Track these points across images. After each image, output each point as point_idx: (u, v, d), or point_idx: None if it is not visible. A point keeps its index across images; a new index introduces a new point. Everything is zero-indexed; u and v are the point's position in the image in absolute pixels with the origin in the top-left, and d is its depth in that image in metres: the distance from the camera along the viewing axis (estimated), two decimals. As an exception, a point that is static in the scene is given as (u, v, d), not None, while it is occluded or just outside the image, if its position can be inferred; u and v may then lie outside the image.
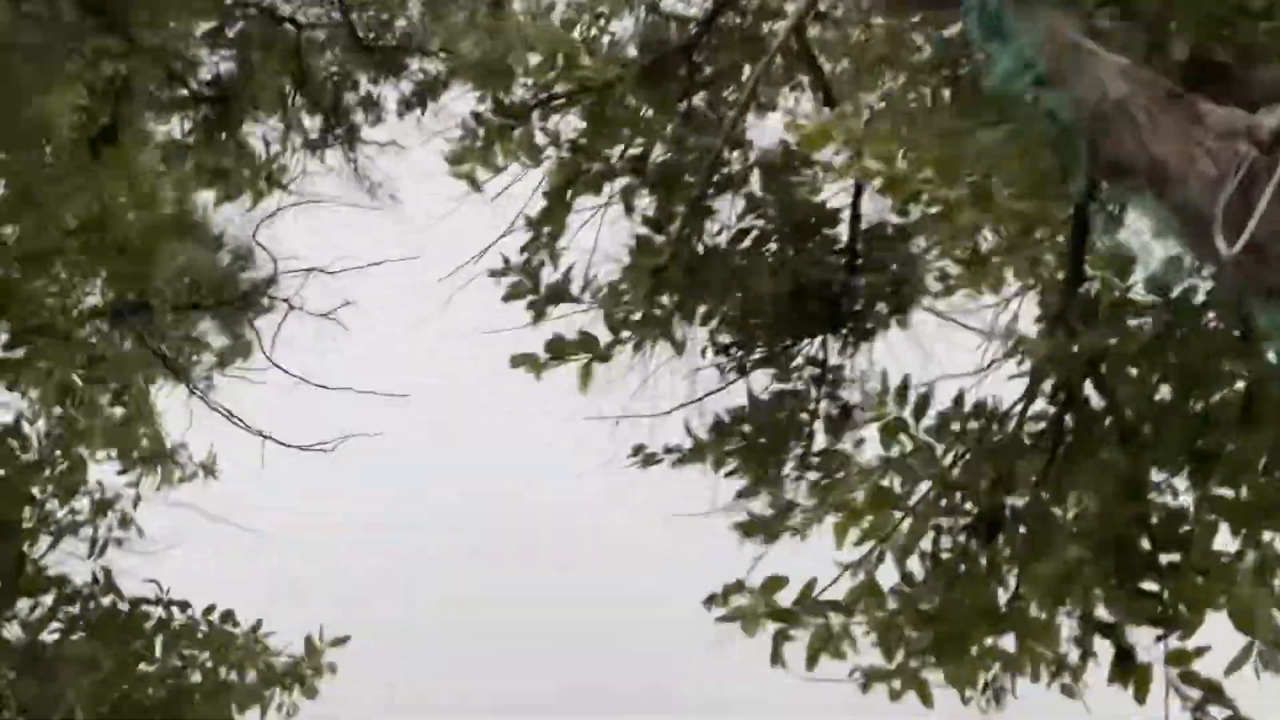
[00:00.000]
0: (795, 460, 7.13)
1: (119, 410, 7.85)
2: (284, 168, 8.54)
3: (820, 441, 7.28)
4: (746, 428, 7.22)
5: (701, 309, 7.54)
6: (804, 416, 7.37)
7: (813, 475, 6.97)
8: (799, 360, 7.56)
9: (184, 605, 7.37)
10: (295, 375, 8.50)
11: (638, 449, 7.21)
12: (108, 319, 7.63)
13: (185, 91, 7.26)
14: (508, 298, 7.37)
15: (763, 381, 7.50)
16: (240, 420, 8.47)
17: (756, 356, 7.56)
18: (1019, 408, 5.36)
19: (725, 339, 7.58)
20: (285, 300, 8.47)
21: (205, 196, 8.03)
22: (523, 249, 7.56)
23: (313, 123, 8.64)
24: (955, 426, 5.35)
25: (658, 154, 7.75)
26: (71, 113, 5.87)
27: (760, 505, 6.78)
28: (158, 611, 7.29)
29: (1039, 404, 5.37)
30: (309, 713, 7.64)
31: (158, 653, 7.20)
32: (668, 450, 7.19)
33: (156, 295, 7.06)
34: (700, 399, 7.43)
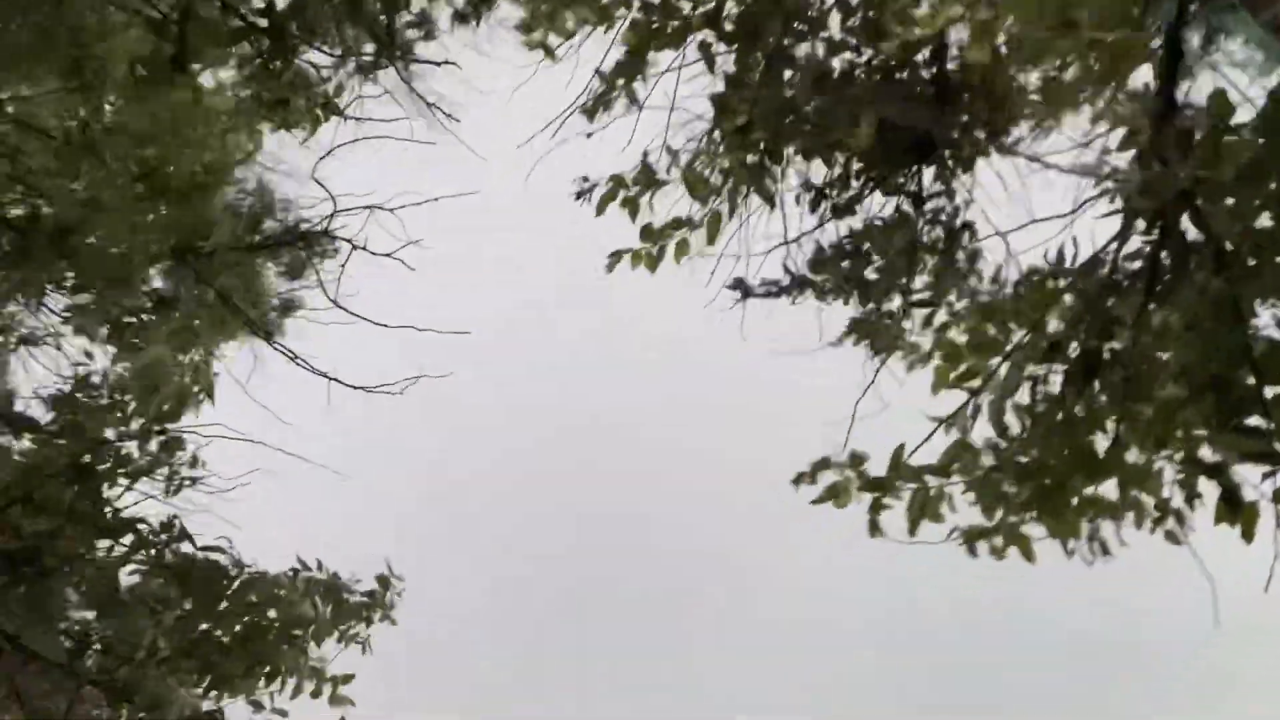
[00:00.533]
0: (902, 289, 7.00)
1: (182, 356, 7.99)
2: (340, 91, 8.42)
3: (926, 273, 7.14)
4: (848, 263, 7.12)
5: (791, 149, 7.38)
6: (909, 244, 7.19)
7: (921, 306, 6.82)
8: (897, 194, 7.38)
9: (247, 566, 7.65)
10: (357, 315, 8.43)
11: (737, 281, 7.16)
12: (171, 261, 7.69)
13: (240, 21, 7.21)
14: (601, 207, 7.20)
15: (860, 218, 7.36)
16: (304, 362, 8.51)
17: (851, 194, 7.40)
18: (1113, 248, 5.19)
19: (817, 180, 7.44)
20: (349, 240, 8.38)
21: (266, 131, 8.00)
22: (595, 100, 7.46)
23: (366, 46, 8.47)
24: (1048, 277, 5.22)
25: (731, 7, 7.51)
26: (130, 55, 5.89)
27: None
28: (229, 566, 7.58)
29: (1133, 243, 5.19)
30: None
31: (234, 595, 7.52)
32: (765, 283, 7.12)
33: (216, 236, 7.10)
34: (797, 239, 7.35)
